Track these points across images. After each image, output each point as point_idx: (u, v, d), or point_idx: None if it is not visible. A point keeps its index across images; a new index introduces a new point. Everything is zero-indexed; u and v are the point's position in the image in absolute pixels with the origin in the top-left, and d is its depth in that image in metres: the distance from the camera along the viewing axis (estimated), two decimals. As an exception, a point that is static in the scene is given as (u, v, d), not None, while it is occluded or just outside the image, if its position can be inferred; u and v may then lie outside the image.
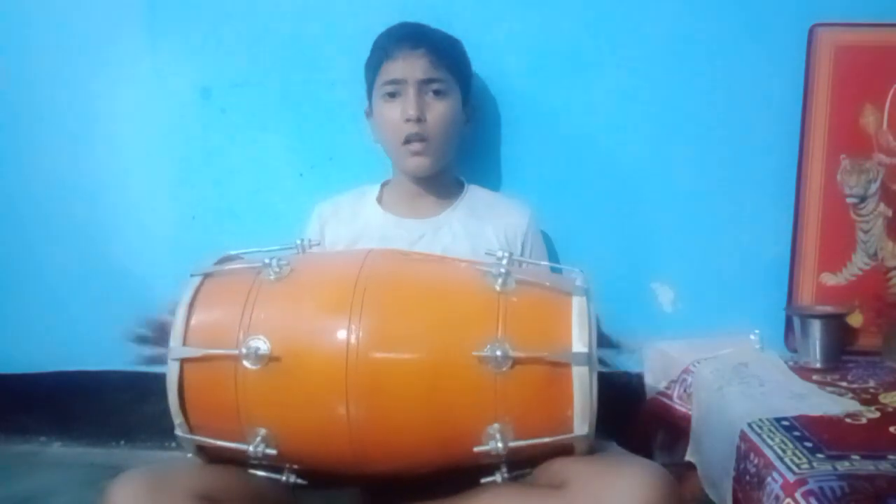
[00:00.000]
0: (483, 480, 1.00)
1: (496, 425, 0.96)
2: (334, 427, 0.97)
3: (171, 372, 0.99)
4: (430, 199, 1.41)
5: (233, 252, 1.13)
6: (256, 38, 1.58)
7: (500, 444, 0.95)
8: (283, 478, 1.04)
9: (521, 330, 0.97)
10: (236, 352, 0.97)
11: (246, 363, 0.97)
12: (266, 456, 0.98)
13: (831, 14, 1.45)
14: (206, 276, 1.05)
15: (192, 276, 1.05)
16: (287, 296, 1.02)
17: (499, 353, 0.95)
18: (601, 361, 1.26)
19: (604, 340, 1.19)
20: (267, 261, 1.03)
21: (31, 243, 1.69)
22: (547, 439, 0.98)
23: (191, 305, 1.01)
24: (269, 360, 0.97)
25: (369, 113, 1.42)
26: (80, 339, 1.66)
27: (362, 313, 0.97)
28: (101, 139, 1.64)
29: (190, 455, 1.05)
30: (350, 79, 1.49)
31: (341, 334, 0.97)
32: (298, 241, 1.12)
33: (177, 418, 1.01)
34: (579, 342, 0.96)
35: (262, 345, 0.97)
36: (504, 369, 0.95)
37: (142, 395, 1.61)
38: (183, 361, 0.99)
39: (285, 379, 0.98)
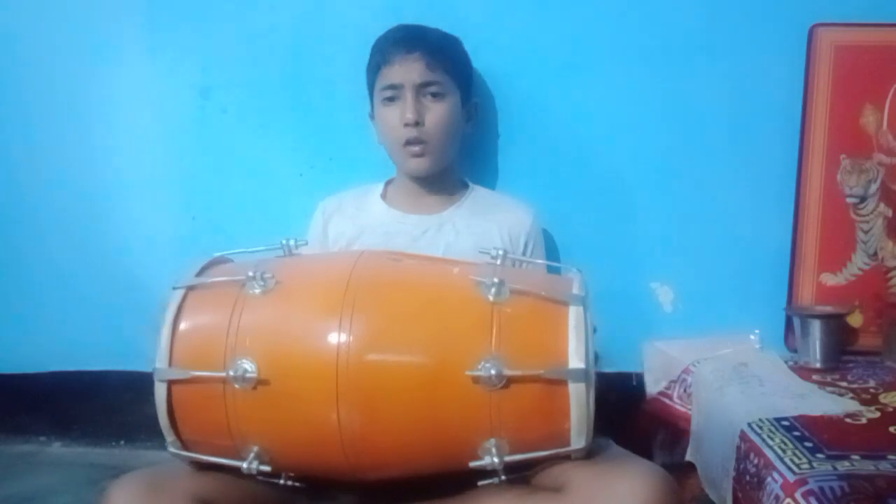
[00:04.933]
0: (481, 483, 1.00)
1: (492, 440, 0.95)
2: (327, 441, 0.96)
3: (159, 392, 0.98)
4: (434, 197, 1.42)
5: (218, 254, 1.12)
6: (256, 38, 1.58)
7: (495, 459, 0.94)
8: (281, 482, 1.04)
9: (516, 345, 0.95)
10: (223, 374, 0.95)
11: (234, 385, 0.95)
12: (261, 472, 0.97)
13: (831, 14, 1.45)
14: (190, 289, 1.02)
15: (174, 288, 1.02)
16: (273, 310, 0.99)
17: (493, 371, 0.92)
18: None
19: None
20: (251, 273, 0.99)
21: (31, 243, 1.69)
22: (543, 453, 0.97)
23: (175, 323, 0.99)
24: (258, 382, 0.95)
25: (372, 115, 1.43)
26: (79, 339, 1.66)
27: (352, 325, 0.95)
28: (101, 139, 1.64)
29: (186, 461, 1.05)
30: (350, 79, 1.49)
31: (330, 350, 0.95)
32: (283, 241, 1.09)
33: (168, 436, 1.00)
34: (576, 357, 0.94)
35: (249, 366, 0.95)
36: (498, 387, 0.93)
37: (142, 395, 1.57)
38: (170, 382, 0.98)
39: (275, 397, 0.96)
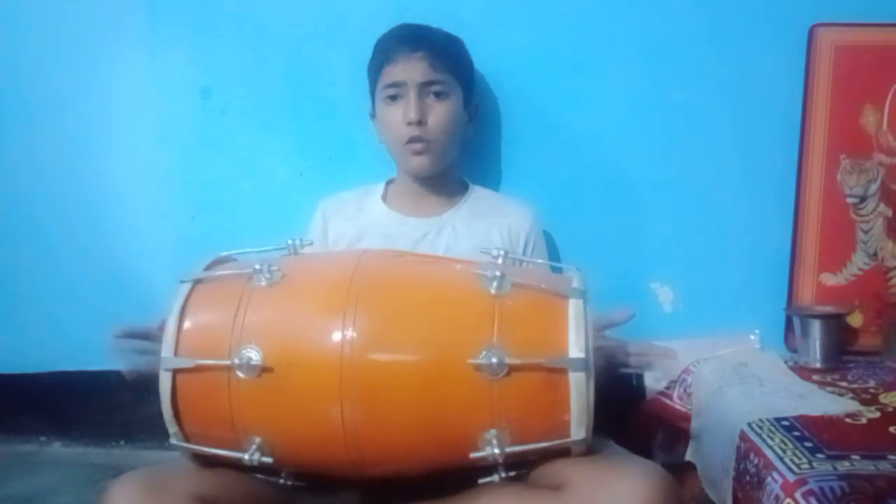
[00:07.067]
0: (481, 481, 1.00)
1: (493, 431, 0.95)
2: (330, 434, 0.96)
3: (164, 382, 0.98)
4: (434, 198, 1.42)
5: (224, 253, 1.12)
6: (256, 38, 1.58)
7: (496, 451, 0.94)
8: (281, 480, 1.04)
9: (517, 335, 0.96)
10: (228, 362, 0.96)
11: (239, 373, 0.96)
12: (262, 464, 0.97)
13: (831, 14, 1.45)
14: (197, 282, 1.03)
15: (181, 282, 1.02)
16: (279, 302, 1.01)
17: (494, 360, 0.93)
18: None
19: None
20: (258, 266, 1.00)
21: (32, 244, 1.69)
22: (544, 444, 0.97)
23: (181, 314, 0.99)
24: (262, 369, 0.95)
25: (373, 114, 1.43)
26: (79, 340, 1.66)
27: (356, 319, 0.96)
28: (101, 139, 1.64)
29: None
30: (351, 79, 1.49)
31: (334, 341, 0.95)
32: (289, 241, 1.10)
33: (171, 427, 0.99)
34: (575, 347, 0.94)
35: (254, 354, 0.95)
36: (500, 376, 0.94)
37: (142, 395, 1.59)
38: (175, 371, 0.98)
39: (279, 388, 0.96)
